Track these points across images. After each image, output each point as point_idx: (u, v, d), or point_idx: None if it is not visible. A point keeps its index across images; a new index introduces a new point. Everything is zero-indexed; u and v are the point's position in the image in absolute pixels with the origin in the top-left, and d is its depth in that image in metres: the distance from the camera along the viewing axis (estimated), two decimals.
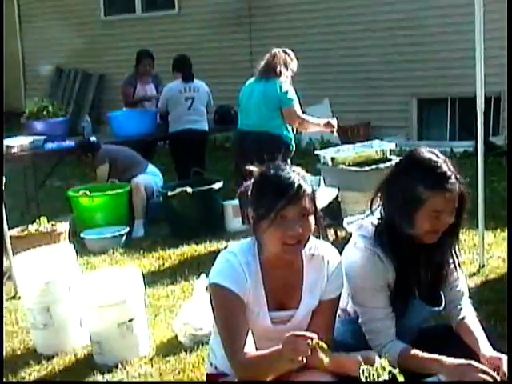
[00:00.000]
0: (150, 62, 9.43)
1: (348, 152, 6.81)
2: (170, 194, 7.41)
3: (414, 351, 2.77)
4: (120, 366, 4.32)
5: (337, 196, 6.75)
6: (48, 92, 14.48)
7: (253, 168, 2.72)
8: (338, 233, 6.72)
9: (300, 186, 2.59)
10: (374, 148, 6.86)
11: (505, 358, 2.71)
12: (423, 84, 11.04)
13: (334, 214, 6.66)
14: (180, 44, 12.28)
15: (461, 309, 2.97)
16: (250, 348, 2.59)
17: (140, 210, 7.76)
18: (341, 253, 2.89)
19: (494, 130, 9.98)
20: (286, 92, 6.51)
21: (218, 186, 7.45)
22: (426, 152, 2.79)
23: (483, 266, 5.50)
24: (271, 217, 2.56)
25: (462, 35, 10.23)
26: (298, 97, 6.63)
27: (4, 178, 5.58)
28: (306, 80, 11.13)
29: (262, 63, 6.70)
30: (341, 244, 6.16)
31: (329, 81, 11.67)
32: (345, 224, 3.03)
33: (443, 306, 2.95)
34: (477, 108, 5.34)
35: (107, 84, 14.25)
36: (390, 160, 6.65)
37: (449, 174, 2.70)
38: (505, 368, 2.67)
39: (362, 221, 2.93)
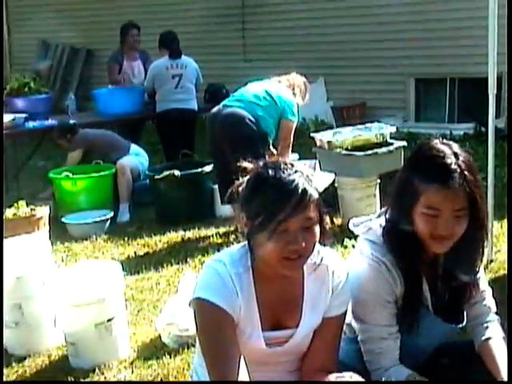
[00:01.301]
0: (136, 32, 9.01)
1: (345, 135, 6.42)
2: (157, 177, 7.05)
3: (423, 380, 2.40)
4: (97, 370, 3.94)
5: (333, 181, 6.43)
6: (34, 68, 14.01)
7: (246, 164, 2.30)
8: (334, 220, 6.38)
9: (305, 192, 2.16)
10: (373, 131, 6.47)
11: None
12: (421, 63, 10.67)
13: (330, 200, 6.33)
14: (169, 19, 11.85)
15: (487, 327, 2.59)
16: (243, 377, 2.19)
17: (125, 194, 7.40)
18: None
19: (495, 113, 9.63)
20: (293, 107, 6.06)
21: (207, 169, 7.05)
22: (438, 143, 2.37)
23: (491, 261, 5.13)
24: (270, 229, 2.14)
25: (463, 13, 9.89)
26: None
27: None
28: (300, 58, 10.80)
29: (283, 76, 6.29)
30: (337, 231, 5.90)
31: (324, 59, 11.27)
32: (350, 226, 2.62)
33: (465, 322, 2.58)
34: (488, 90, 5.05)
35: (95, 60, 13.81)
36: (391, 144, 6.29)
37: (452, 167, 2.27)
38: None
39: (371, 222, 2.54)
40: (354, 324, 2.51)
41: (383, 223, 2.48)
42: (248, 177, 2.26)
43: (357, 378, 2.16)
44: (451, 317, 2.54)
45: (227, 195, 2.31)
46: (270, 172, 2.19)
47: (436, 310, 2.50)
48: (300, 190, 2.15)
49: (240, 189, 2.27)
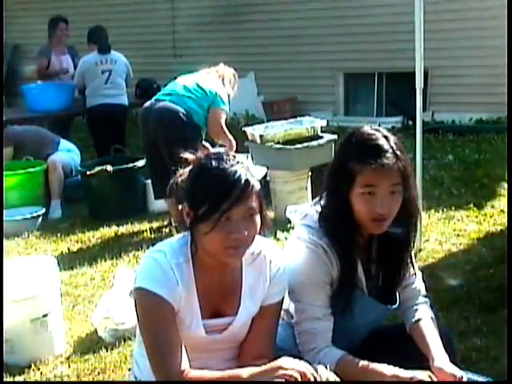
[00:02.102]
0: (64, 27, 8.97)
1: (277, 129, 6.51)
2: (88, 172, 7.01)
3: (354, 359, 2.47)
4: (33, 366, 3.95)
5: (265, 175, 6.50)
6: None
7: (188, 155, 2.34)
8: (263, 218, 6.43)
9: (248, 182, 2.21)
10: (304, 125, 6.58)
11: (460, 375, 2.42)
12: (350, 58, 10.85)
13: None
14: (97, 14, 11.79)
15: (416, 310, 2.70)
16: (185, 364, 2.24)
17: (57, 190, 7.35)
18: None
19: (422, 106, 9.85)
20: (222, 97, 6.05)
21: (139, 164, 7.06)
22: (367, 128, 2.51)
23: (420, 250, 5.27)
24: (214, 218, 2.19)
25: (389, 8, 10.08)
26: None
27: None
28: (230, 53, 10.83)
29: (212, 67, 6.30)
30: (270, 224, 5.96)
31: (254, 54, 11.37)
32: (288, 213, 2.71)
33: (397, 304, 2.68)
34: (415, 85, 5.15)
35: (22, 55, 13.60)
36: (321, 137, 6.40)
37: (384, 147, 2.40)
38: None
39: (307, 209, 2.62)
40: (291, 309, 2.56)
41: (319, 209, 2.57)
42: (190, 168, 2.30)
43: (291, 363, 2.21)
44: (385, 299, 2.64)
45: (168, 186, 2.33)
46: (214, 163, 2.23)
47: (370, 292, 2.60)
48: (243, 180, 2.20)
49: (180, 180, 2.30)
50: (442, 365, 2.46)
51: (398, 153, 2.42)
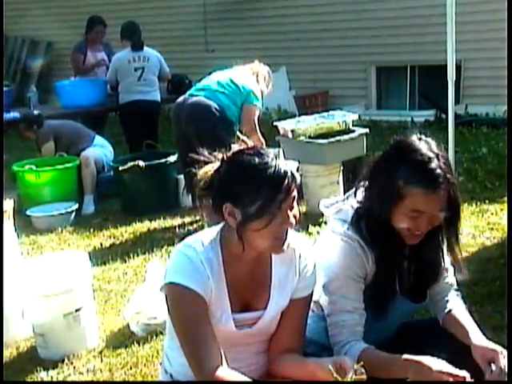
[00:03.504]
0: (101, 29, 9.05)
1: (309, 123, 6.50)
2: (121, 168, 7.05)
3: (375, 351, 2.44)
4: (66, 360, 3.98)
5: (297, 169, 6.48)
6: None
7: (221, 154, 2.33)
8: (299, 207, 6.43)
9: (292, 173, 2.24)
10: (336, 119, 6.56)
11: (501, 350, 2.41)
12: (382, 52, 10.77)
13: None
14: (130, 10, 11.83)
15: (447, 301, 2.68)
16: (220, 358, 2.25)
17: (90, 185, 7.40)
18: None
19: (455, 99, 9.76)
20: (256, 93, 6.01)
21: (172, 159, 7.08)
22: (417, 141, 2.41)
23: None
24: (271, 212, 2.20)
25: (422, 1, 9.99)
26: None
27: None
28: (262, 47, 10.83)
29: (247, 64, 6.26)
30: (302, 218, 5.96)
31: (285, 49, 11.32)
32: (321, 207, 2.69)
33: (426, 300, 2.66)
34: (447, 77, 5.11)
35: (56, 52, 13.71)
36: (353, 131, 6.39)
37: (437, 172, 2.34)
38: (502, 362, 2.38)
39: (342, 204, 2.61)
40: (322, 301, 2.54)
41: (353, 204, 2.56)
42: (220, 165, 2.30)
43: None
44: (416, 294, 2.62)
45: (197, 191, 2.35)
46: (256, 159, 2.23)
47: (401, 287, 2.58)
48: (289, 172, 2.22)
49: (207, 177, 2.32)
50: (482, 342, 2.46)
51: (449, 176, 2.37)
